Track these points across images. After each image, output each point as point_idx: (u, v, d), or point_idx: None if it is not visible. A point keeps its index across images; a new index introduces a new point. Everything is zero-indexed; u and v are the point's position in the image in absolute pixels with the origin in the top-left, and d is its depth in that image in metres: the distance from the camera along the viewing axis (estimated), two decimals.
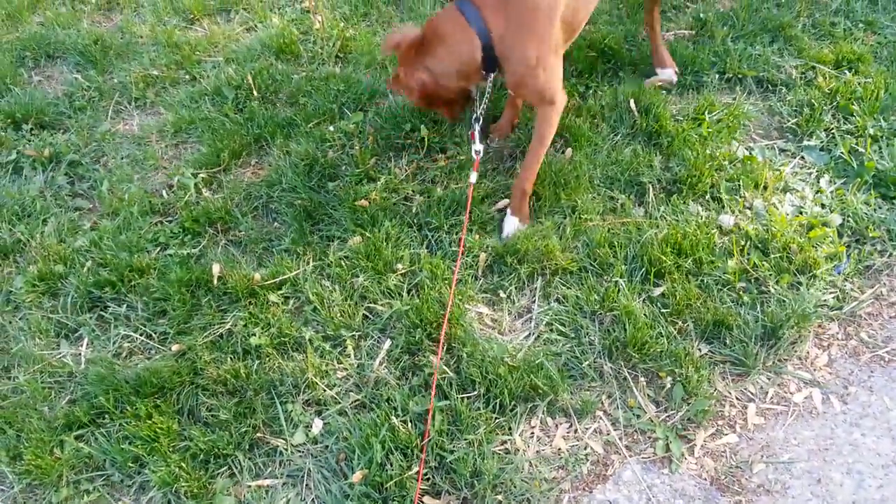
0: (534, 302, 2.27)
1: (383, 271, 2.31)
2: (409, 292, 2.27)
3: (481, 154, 2.41)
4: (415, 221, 2.48)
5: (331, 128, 2.79)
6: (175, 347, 2.15)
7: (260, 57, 3.25)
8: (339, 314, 2.20)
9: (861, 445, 1.90)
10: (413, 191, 2.59)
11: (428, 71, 2.26)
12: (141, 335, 2.21)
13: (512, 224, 2.42)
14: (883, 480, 1.82)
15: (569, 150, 2.63)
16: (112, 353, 2.17)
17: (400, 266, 2.33)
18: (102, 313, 2.29)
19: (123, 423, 1.97)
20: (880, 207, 2.42)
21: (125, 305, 2.29)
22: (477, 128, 2.40)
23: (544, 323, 2.21)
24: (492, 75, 2.27)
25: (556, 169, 2.55)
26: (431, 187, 2.59)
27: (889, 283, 2.25)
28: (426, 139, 2.68)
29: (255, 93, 3.00)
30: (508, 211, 2.45)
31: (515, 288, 2.30)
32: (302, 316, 2.24)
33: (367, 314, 2.24)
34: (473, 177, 2.39)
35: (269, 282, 2.31)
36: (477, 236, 2.40)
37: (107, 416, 2.00)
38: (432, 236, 2.43)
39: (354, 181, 2.61)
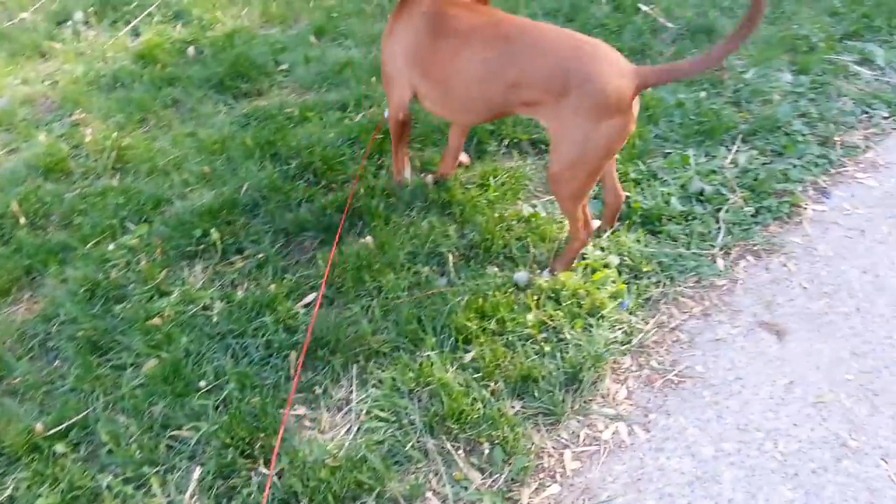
0: (351, 392, 2.23)
1: (185, 393, 2.16)
2: (216, 409, 2.14)
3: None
4: (216, 331, 2.36)
5: (111, 246, 2.61)
6: None
7: (26, 180, 3.00)
8: (138, 451, 2.01)
9: (667, 468, 2.03)
10: (212, 298, 2.48)
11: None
12: None
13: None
14: (690, 497, 1.95)
15: (369, 238, 2.65)
16: None
17: (203, 383, 2.19)
18: None
19: None
20: (649, 243, 2.68)
21: None
22: None
23: (364, 412, 2.16)
24: None
25: (357, 254, 2.56)
26: (231, 291, 2.50)
27: (668, 311, 2.48)
28: (218, 242, 2.59)
29: (21, 220, 2.75)
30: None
31: (331, 381, 2.25)
32: (96, 461, 2.02)
33: (172, 443, 2.06)
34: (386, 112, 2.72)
35: (53, 430, 2.07)
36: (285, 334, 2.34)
37: None
38: (237, 343, 2.32)
39: (144, 299, 2.45)
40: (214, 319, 2.40)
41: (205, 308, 2.46)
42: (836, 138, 3.16)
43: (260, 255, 2.59)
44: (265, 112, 3.23)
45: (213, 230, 2.61)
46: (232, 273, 2.56)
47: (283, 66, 3.58)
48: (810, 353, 2.32)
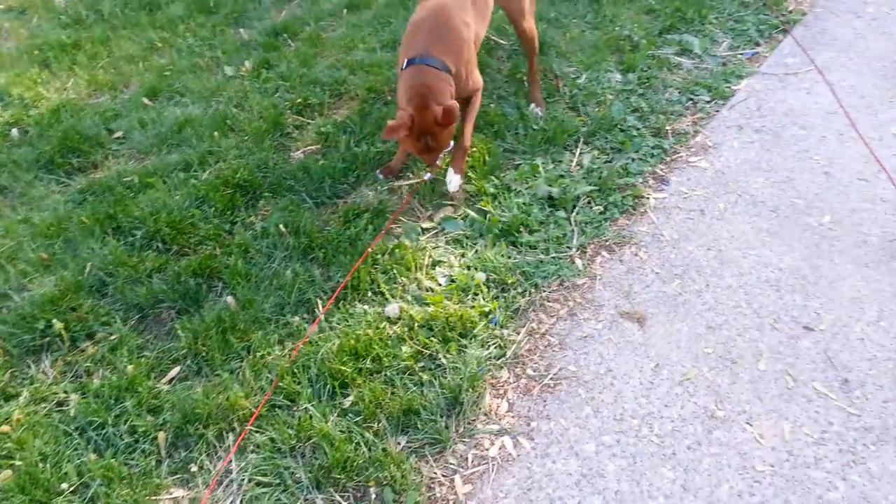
0: (231, 462, 2.13)
1: (46, 500, 1.99)
2: None
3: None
4: (74, 426, 2.19)
5: None
6: None
7: None
8: None
9: (555, 472, 2.07)
10: (66, 392, 2.31)
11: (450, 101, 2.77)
12: None
13: (456, 179, 2.98)
14: (579, 496, 1.99)
15: (230, 299, 2.56)
16: None
17: (65, 486, 2.03)
18: None
19: None
20: (510, 255, 2.75)
21: None
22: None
23: (246, 480, 2.07)
24: None
25: (219, 317, 2.47)
26: (87, 381, 2.34)
27: (536, 318, 2.54)
28: (63, 332, 2.42)
29: None
30: (451, 169, 2.99)
31: (207, 455, 2.14)
32: None
33: None
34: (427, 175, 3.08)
35: None
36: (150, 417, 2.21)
37: None
38: (98, 435, 2.17)
39: None
40: (72, 414, 2.23)
41: (59, 404, 2.29)
42: (667, 128, 3.38)
43: (113, 337, 2.44)
44: (102, 184, 3.06)
45: (54, 320, 2.43)
46: (84, 361, 2.39)
47: (118, 134, 3.42)
48: (671, 334, 2.45)
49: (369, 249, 2.72)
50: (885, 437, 2.10)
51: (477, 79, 3.07)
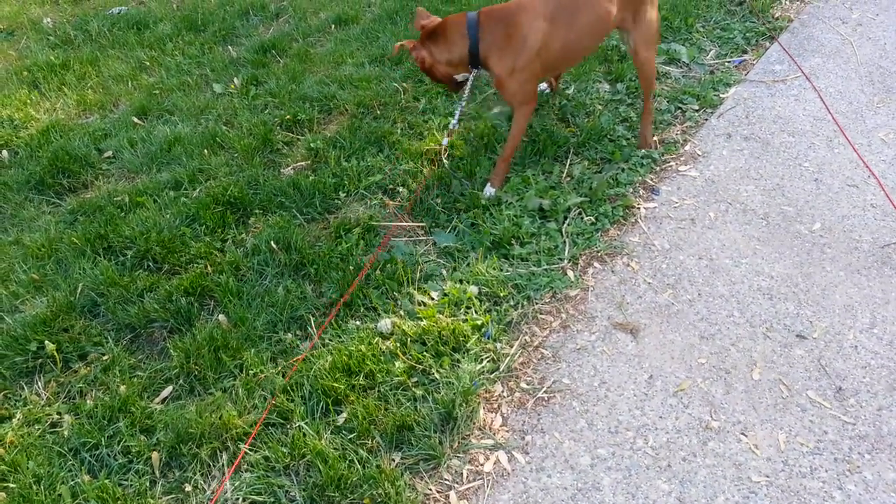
0: (225, 482, 2.11)
1: None
2: None
3: (456, 127, 3.20)
4: (68, 447, 2.18)
5: None
6: None
7: None
8: None
9: (550, 486, 2.06)
10: (59, 413, 2.30)
11: (429, 53, 2.96)
12: None
13: (491, 190, 3.10)
14: None
15: (222, 317, 2.55)
16: None
17: None
18: None
19: None
20: (502, 268, 2.75)
21: None
22: (458, 108, 3.19)
23: (241, 500, 2.06)
24: (475, 71, 2.98)
25: (211, 335, 2.46)
26: (80, 402, 2.32)
27: (529, 330, 2.54)
28: (55, 353, 2.41)
29: None
30: (489, 183, 3.12)
31: (201, 475, 2.13)
32: None
33: None
34: (447, 136, 3.25)
35: None
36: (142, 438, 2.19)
37: None
38: (92, 456, 2.16)
39: None
40: (65, 435, 2.22)
41: (52, 425, 2.27)
42: (656, 137, 3.40)
43: (105, 357, 2.43)
44: (93, 205, 3.06)
45: (47, 342, 2.42)
46: (77, 382, 2.38)
47: (108, 154, 3.42)
48: (664, 345, 2.45)
49: (367, 267, 2.72)
50: (879, 445, 2.11)
51: (520, 94, 2.94)
